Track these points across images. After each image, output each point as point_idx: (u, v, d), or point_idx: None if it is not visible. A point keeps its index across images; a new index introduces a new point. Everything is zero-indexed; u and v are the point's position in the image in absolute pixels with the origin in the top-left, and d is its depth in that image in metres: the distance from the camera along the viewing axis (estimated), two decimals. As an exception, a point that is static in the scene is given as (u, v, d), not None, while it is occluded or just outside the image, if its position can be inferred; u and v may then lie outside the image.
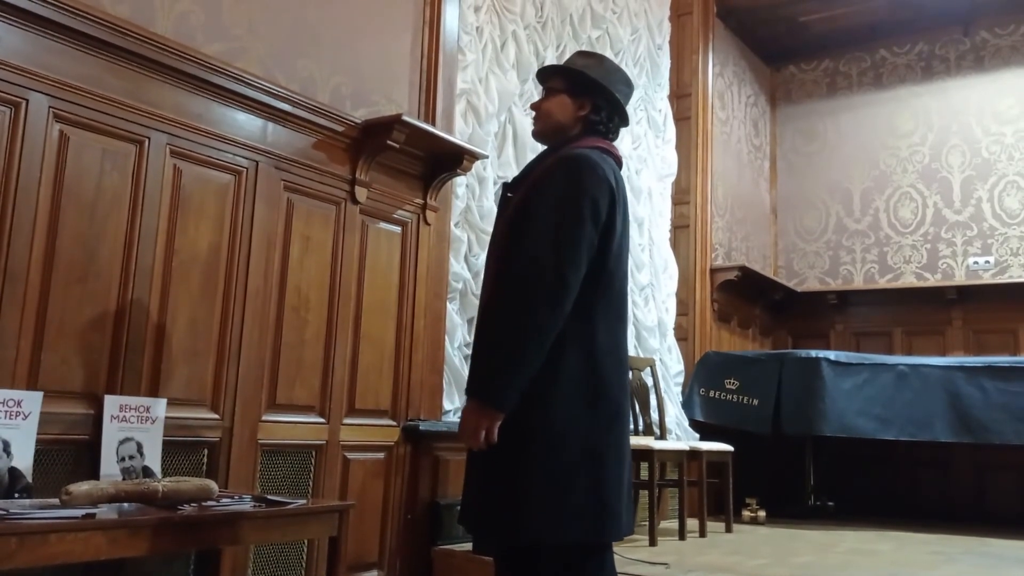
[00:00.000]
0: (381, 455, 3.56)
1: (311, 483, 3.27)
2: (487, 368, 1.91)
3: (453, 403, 4.06)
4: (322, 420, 3.33)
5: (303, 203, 3.32)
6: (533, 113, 2.29)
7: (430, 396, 3.84)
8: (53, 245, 2.51)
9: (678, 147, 6.20)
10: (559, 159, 2.08)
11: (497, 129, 4.58)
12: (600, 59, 2.32)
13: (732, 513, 5.14)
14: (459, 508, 2.11)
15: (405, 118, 3.48)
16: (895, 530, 5.42)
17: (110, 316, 2.64)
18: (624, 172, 6.00)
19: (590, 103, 2.21)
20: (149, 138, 2.78)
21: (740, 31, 7.33)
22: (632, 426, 4.97)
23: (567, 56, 5.06)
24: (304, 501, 2.78)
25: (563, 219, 1.95)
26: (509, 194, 2.21)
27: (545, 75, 2.30)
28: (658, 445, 4.54)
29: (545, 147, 2.27)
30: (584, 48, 5.29)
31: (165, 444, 2.70)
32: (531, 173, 2.16)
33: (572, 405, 1.95)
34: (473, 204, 4.32)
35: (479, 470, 1.99)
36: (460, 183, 4.21)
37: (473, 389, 1.92)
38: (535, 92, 4.79)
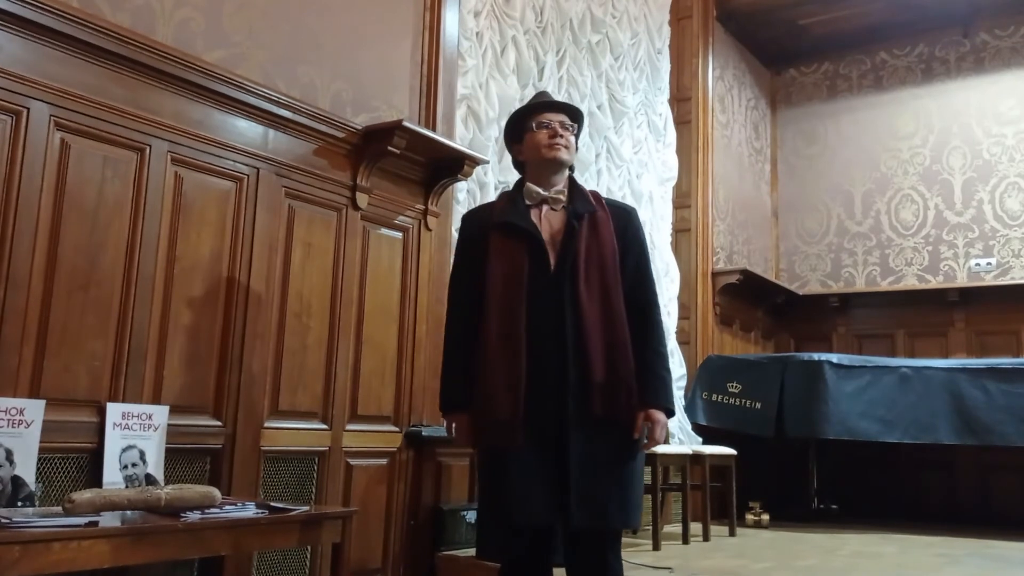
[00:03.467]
0: (384, 461, 3.55)
1: (314, 489, 3.27)
2: (668, 387, 2.35)
3: (455, 408, 4.05)
4: (325, 426, 3.33)
5: (304, 209, 3.32)
6: (564, 138, 2.44)
7: (432, 401, 3.82)
8: (55, 253, 2.51)
9: (679, 151, 6.20)
10: (634, 213, 2.52)
11: (498, 134, 4.57)
12: None
13: (735, 517, 5.13)
14: (578, 500, 2.21)
15: (406, 124, 3.49)
16: (899, 532, 5.41)
17: (112, 323, 2.64)
18: (623, 176, 5.98)
19: None
20: (150, 146, 2.78)
21: (740, 34, 7.34)
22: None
23: (566, 62, 5.13)
24: (307, 507, 2.78)
25: None
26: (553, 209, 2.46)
27: (573, 114, 2.50)
28: (661, 449, 4.53)
29: (559, 172, 2.46)
30: (584, 53, 5.30)
31: (168, 451, 2.71)
32: (595, 209, 2.41)
33: None
34: (474, 209, 4.32)
35: (613, 467, 2.27)
36: (461, 188, 4.22)
37: (664, 403, 2.32)
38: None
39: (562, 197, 2.42)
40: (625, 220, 2.45)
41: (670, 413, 2.35)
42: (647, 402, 2.29)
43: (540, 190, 2.42)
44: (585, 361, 2.24)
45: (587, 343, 2.25)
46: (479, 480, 2.48)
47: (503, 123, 4.56)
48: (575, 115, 2.51)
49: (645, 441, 2.33)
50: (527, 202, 2.42)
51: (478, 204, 4.35)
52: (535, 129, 2.45)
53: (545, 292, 2.30)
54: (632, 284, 2.37)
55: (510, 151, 2.59)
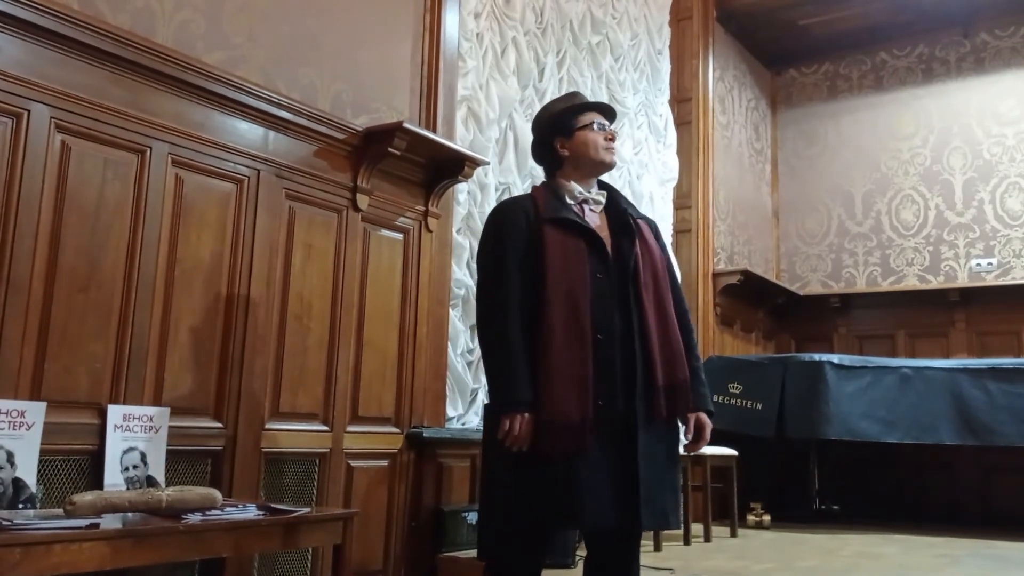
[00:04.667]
0: (385, 462, 3.55)
1: (315, 491, 3.27)
2: (709, 390, 2.44)
3: (456, 410, 4.06)
4: (325, 428, 3.33)
5: (305, 211, 3.32)
6: (613, 143, 2.47)
7: (433, 403, 3.84)
8: (55, 255, 2.51)
9: (679, 151, 6.21)
10: (657, 225, 2.55)
11: (498, 135, 4.58)
12: None
13: (737, 518, 5.13)
14: (647, 503, 2.20)
15: (406, 125, 3.49)
16: (900, 533, 5.41)
17: (113, 325, 2.64)
18: (623, 178, 5.98)
19: None
20: (150, 147, 2.78)
21: (740, 35, 7.34)
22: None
23: (567, 63, 5.12)
24: (308, 509, 2.78)
25: None
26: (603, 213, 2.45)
27: (612, 118, 2.52)
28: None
29: (599, 178, 2.48)
30: (584, 54, 5.30)
31: (169, 453, 2.71)
32: (633, 213, 2.44)
33: None
34: (475, 210, 4.32)
35: (669, 469, 2.31)
36: (461, 189, 4.21)
37: (710, 407, 2.42)
38: (536, 98, 4.80)
39: (602, 199, 2.41)
40: (656, 230, 2.51)
41: (711, 415, 2.43)
42: (697, 405, 2.37)
43: (582, 190, 2.40)
44: (650, 363, 2.25)
45: (651, 345, 2.27)
46: (504, 483, 2.24)
47: (503, 124, 4.61)
48: (612, 121, 2.54)
49: (687, 443, 2.41)
50: (568, 200, 2.37)
51: (479, 205, 4.36)
52: (594, 129, 2.41)
53: (607, 292, 2.26)
54: (674, 290, 2.46)
55: (549, 143, 2.44)
